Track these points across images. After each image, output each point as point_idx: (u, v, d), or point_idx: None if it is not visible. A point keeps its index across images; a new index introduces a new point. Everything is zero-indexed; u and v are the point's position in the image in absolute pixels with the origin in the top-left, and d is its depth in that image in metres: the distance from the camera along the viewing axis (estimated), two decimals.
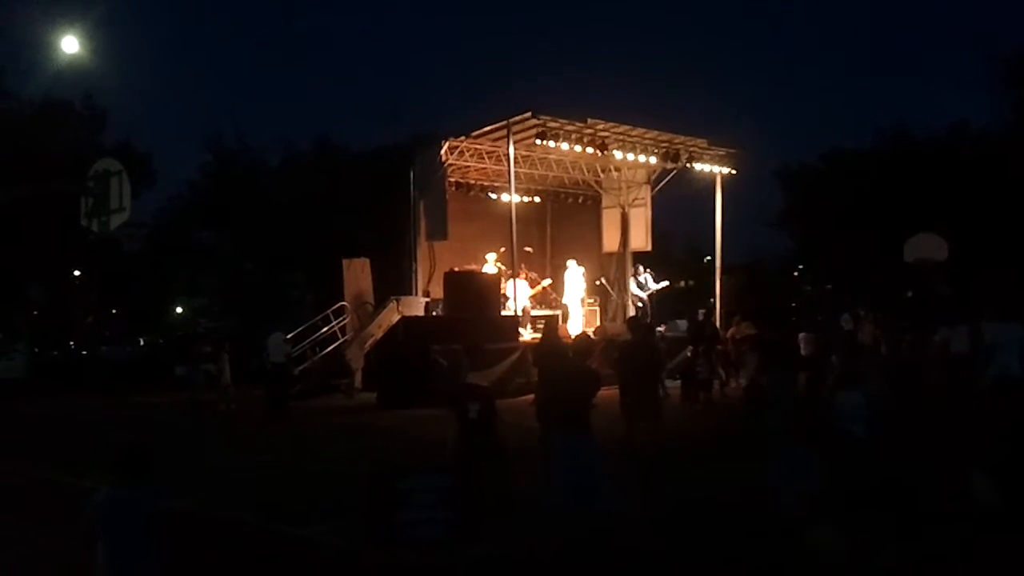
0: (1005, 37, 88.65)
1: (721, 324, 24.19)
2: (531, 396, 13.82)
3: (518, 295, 21.58)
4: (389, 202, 22.81)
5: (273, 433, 15.75)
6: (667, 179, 25.79)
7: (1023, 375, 12.03)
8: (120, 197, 15.40)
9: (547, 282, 23.90)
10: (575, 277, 23.74)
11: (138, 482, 5.03)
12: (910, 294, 28.26)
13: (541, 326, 18.27)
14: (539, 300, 24.33)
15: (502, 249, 22.23)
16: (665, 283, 24.14)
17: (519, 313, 21.50)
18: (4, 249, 27.79)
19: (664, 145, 23.19)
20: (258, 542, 8.66)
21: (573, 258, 24.25)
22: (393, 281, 22.47)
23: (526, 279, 22.03)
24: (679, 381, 18.33)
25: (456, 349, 14.83)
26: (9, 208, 19.35)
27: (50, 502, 10.01)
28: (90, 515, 4.94)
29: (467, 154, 23.01)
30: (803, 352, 19.76)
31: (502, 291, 21.76)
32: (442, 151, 22.09)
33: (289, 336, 20.52)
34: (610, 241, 26.95)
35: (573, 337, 14.43)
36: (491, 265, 22.39)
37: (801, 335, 20.88)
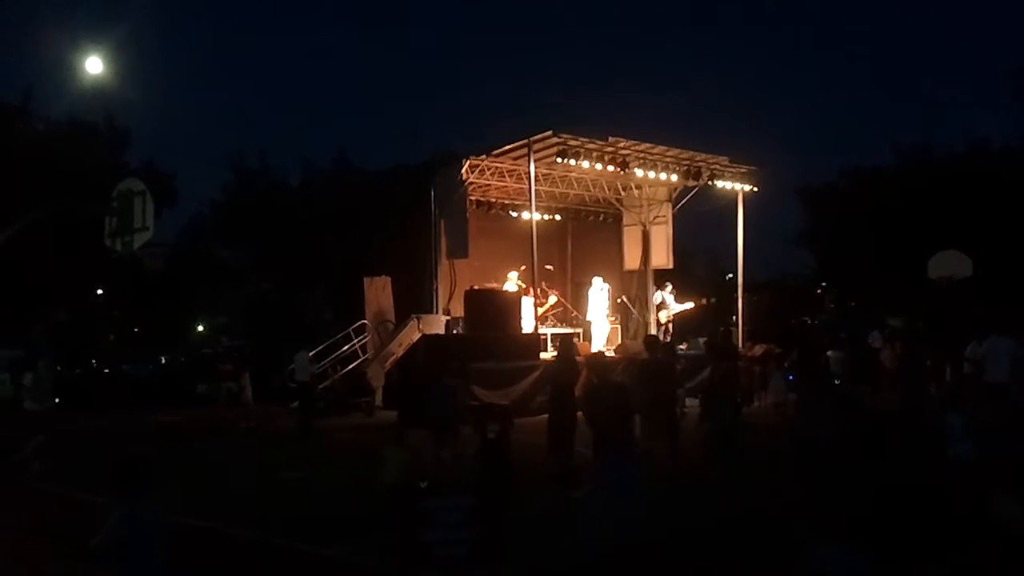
0: None
1: (743, 342, 24.05)
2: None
3: (525, 314, 21.53)
4: (410, 220, 22.82)
5: (294, 451, 15.73)
6: (688, 197, 25.74)
7: (1009, 382, 14.26)
8: (143, 217, 15.38)
9: (554, 299, 23.79)
10: (599, 294, 23.61)
11: (138, 493, 4.98)
12: (937, 313, 27.97)
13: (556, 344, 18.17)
14: (559, 318, 24.27)
15: (523, 267, 22.21)
16: (689, 305, 23.91)
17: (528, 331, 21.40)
18: (28, 268, 28.02)
19: (685, 163, 23.12)
20: (282, 561, 8.62)
21: (595, 276, 24.16)
22: (414, 299, 22.46)
23: (534, 296, 21.92)
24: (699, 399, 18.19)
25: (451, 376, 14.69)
26: (33, 228, 19.47)
27: (74, 521, 10.01)
28: (107, 537, 4.90)
29: (488, 172, 23.03)
30: (833, 370, 19.62)
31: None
32: (463, 169, 22.10)
33: (311, 354, 20.55)
34: (631, 259, 26.88)
35: (585, 356, 14.34)
36: (512, 283, 22.35)
37: (830, 353, 20.74)
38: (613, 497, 7.34)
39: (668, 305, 23.17)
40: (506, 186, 24.06)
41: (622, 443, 7.61)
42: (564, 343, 15.30)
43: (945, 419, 8.97)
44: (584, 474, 9.82)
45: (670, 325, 23.19)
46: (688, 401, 17.12)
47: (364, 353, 22.52)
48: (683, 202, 26.08)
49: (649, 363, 13.78)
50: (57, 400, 24.30)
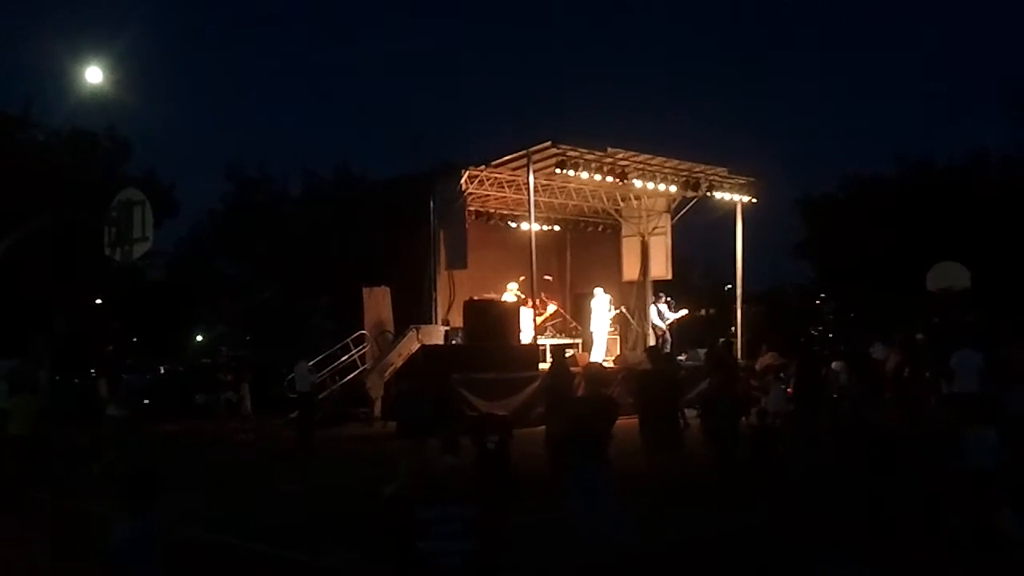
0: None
1: (743, 353, 24.05)
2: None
3: (524, 324, 21.56)
4: (409, 231, 22.85)
5: (293, 462, 15.72)
6: (687, 208, 25.76)
7: (979, 392, 14.98)
8: (143, 226, 15.48)
9: (553, 308, 23.80)
10: (601, 305, 23.59)
11: (144, 507, 4.98)
12: (936, 321, 28.02)
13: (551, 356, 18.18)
14: (558, 329, 24.27)
15: (522, 278, 22.23)
16: (684, 312, 24.01)
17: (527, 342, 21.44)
18: (28, 278, 28.02)
19: (684, 174, 23.17)
20: (280, 572, 8.62)
21: (594, 287, 24.17)
22: (413, 310, 22.47)
23: (532, 307, 21.98)
24: (698, 410, 18.18)
25: (418, 385, 14.78)
26: (33, 237, 19.53)
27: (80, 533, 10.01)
28: (109, 553, 4.89)
29: (487, 183, 23.07)
30: (842, 382, 19.62)
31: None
32: (462, 180, 22.15)
33: (311, 364, 20.55)
34: (630, 270, 26.89)
35: (583, 366, 14.41)
36: (511, 294, 22.37)
37: (835, 363, 20.78)
38: (585, 502, 7.36)
39: (664, 315, 23.22)
40: (505, 197, 24.10)
41: (590, 457, 7.61)
42: (556, 355, 15.38)
43: (967, 430, 8.85)
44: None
45: (668, 335, 23.21)
46: (688, 412, 17.12)
47: (363, 363, 22.52)
48: (682, 213, 26.12)
49: (650, 374, 13.81)
50: (147, 401, 24.26)
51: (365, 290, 23.30)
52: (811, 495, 10.65)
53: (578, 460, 7.65)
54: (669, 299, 23.72)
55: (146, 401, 22.20)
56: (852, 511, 9.61)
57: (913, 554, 8.16)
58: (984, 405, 10.19)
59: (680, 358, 23.12)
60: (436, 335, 21.76)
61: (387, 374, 20.91)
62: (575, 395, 10.97)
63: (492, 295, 22.48)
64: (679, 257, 28.11)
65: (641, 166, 22.38)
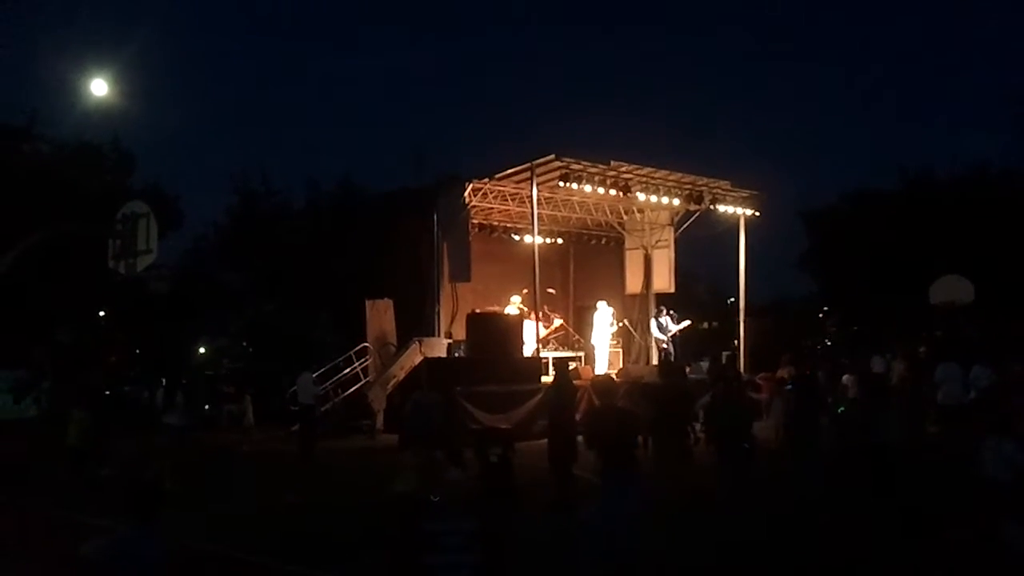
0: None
1: (746, 366, 24.02)
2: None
3: (528, 337, 21.57)
4: (412, 243, 22.88)
5: (295, 474, 15.71)
6: (690, 221, 25.80)
7: (965, 403, 15.78)
8: (147, 239, 15.57)
9: (558, 322, 23.80)
10: (604, 318, 23.58)
11: (147, 519, 4.99)
12: (939, 334, 28.03)
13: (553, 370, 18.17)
14: (561, 342, 24.26)
15: (525, 291, 22.24)
16: (687, 323, 23.99)
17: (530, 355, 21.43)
18: (31, 290, 28.07)
19: (687, 187, 23.20)
20: None
21: (597, 299, 24.16)
22: (416, 322, 22.48)
23: (537, 320, 21.98)
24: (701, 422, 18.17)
25: (433, 396, 14.75)
26: (38, 249, 19.59)
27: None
28: (99, 555, 4.88)
29: (490, 196, 23.11)
30: (850, 395, 19.61)
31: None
32: (466, 193, 22.19)
33: (314, 376, 20.55)
34: (633, 283, 26.92)
35: (591, 379, 14.37)
36: (514, 307, 22.38)
37: (846, 376, 20.79)
38: (609, 523, 7.35)
39: (666, 328, 23.20)
40: (508, 210, 24.14)
41: (623, 468, 7.63)
42: (559, 368, 15.38)
43: (986, 441, 8.80)
44: (584, 499, 9.81)
45: (671, 348, 23.19)
46: (696, 426, 17.09)
47: (365, 376, 22.52)
48: (685, 226, 26.15)
49: (659, 387, 13.78)
50: (203, 414, 24.23)
51: (368, 302, 23.32)
52: (812, 507, 10.64)
53: (610, 472, 7.66)
54: (671, 312, 23.68)
55: (201, 417, 21.97)
56: (854, 523, 9.60)
57: (916, 565, 8.16)
58: (1001, 416, 10.14)
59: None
60: (439, 348, 21.76)
61: (390, 387, 20.92)
62: (594, 408, 10.91)
63: (495, 308, 22.48)
64: (682, 270, 28.15)
65: (644, 179, 22.41)
